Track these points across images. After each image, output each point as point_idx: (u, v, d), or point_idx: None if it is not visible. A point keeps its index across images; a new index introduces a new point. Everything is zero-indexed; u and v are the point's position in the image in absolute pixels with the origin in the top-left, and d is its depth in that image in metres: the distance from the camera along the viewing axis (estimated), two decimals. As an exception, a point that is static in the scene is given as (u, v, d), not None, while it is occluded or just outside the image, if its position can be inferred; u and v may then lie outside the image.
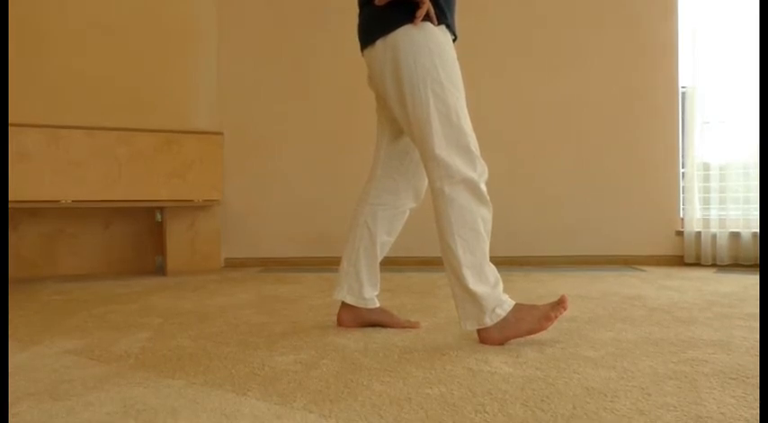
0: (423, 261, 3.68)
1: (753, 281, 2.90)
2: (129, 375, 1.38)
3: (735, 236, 3.60)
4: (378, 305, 1.87)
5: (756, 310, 2.10)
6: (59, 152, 3.44)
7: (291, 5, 3.99)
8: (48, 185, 3.39)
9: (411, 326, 1.86)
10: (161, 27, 3.80)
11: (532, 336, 1.63)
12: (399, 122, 1.74)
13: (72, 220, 3.63)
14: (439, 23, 1.66)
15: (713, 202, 3.69)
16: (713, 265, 3.59)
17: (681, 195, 3.78)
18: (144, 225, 3.78)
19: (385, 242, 1.87)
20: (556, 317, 1.61)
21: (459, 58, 1.71)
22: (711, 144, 3.69)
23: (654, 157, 3.78)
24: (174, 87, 3.83)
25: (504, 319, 1.59)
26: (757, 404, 1.12)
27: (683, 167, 3.76)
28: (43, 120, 3.43)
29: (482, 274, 1.61)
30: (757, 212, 3.48)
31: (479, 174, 1.63)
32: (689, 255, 3.68)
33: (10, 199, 3.15)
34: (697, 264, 3.64)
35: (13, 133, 3.31)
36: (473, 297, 1.60)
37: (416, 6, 1.61)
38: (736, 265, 3.58)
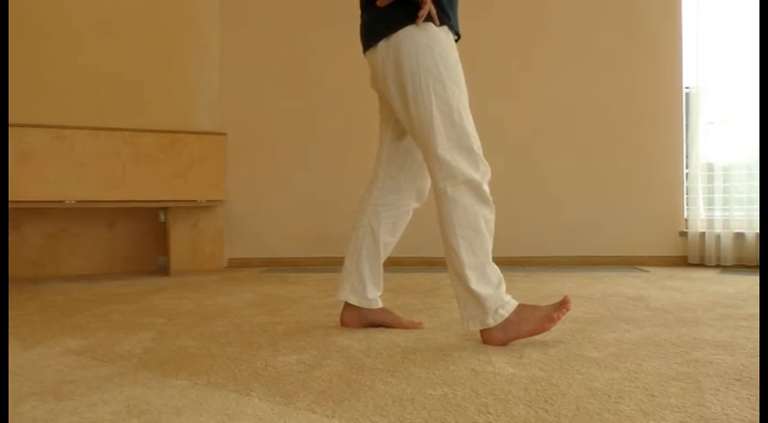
0: (425, 261, 3.67)
1: (757, 281, 2.89)
2: (133, 375, 1.38)
3: (739, 236, 3.59)
4: (381, 305, 1.87)
5: (760, 311, 2.09)
6: (63, 152, 3.45)
7: (294, 6, 3.99)
8: (52, 185, 3.40)
9: (414, 326, 1.86)
10: (164, 28, 3.81)
11: (536, 336, 1.63)
12: (402, 123, 1.74)
13: (76, 219, 3.64)
14: (441, 24, 1.66)
15: (717, 203, 3.69)
16: (717, 266, 3.57)
17: (684, 196, 3.77)
18: (147, 225, 3.78)
19: (388, 242, 1.87)
20: (559, 317, 1.61)
21: (461, 59, 1.71)
22: (715, 144, 3.68)
23: (657, 157, 3.78)
24: (177, 88, 3.83)
25: (507, 320, 1.59)
26: (761, 405, 1.12)
27: (686, 168, 3.75)
28: (47, 120, 3.44)
29: (485, 275, 1.61)
30: (761, 213, 3.48)
31: (482, 174, 1.62)
32: (693, 255, 3.67)
33: (14, 199, 3.16)
34: (701, 264, 3.63)
35: (17, 133, 3.32)
36: (476, 298, 1.60)
37: (418, 7, 1.61)
38: (740, 265, 3.57)
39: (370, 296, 1.84)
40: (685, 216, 3.76)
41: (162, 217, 3.68)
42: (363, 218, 1.84)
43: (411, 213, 1.89)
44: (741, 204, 3.62)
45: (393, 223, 1.85)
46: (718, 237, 3.61)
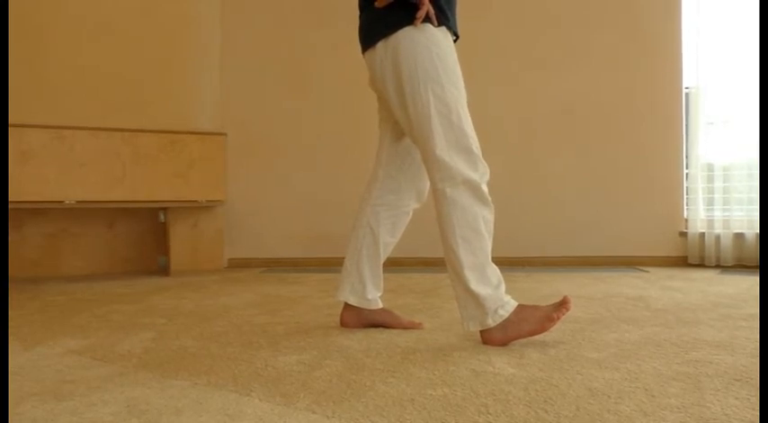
0: (425, 261, 3.67)
1: (757, 282, 2.89)
2: (133, 376, 1.38)
3: (739, 237, 3.59)
4: (381, 306, 1.87)
5: (760, 312, 2.09)
6: (64, 152, 3.45)
7: (294, 6, 3.99)
8: (52, 186, 3.40)
9: (414, 326, 1.86)
10: (164, 28, 3.81)
11: (535, 337, 1.63)
12: (400, 124, 1.74)
13: (76, 220, 3.64)
14: (439, 24, 1.66)
15: (717, 203, 3.68)
16: (717, 266, 3.57)
17: (684, 196, 3.77)
18: (147, 225, 3.79)
19: (388, 243, 1.87)
20: (558, 317, 1.61)
21: (461, 60, 1.71)
22: (715, 144, 3.68)
23: (657, 157, 3.78)
24: (177, 88, 3.83)
25: (507, 320, 1.59)
26: (761, 406, 1.12)
27: (686, 168, 3.75)
28: (48, 120, 3.45)
29: (484, 276, 1.61)
30: (762, 213, 3.47)
31: (481, 175, 1.63)
32: (692, 255, 3.67)
33: (14, 199, 3.16)
34: (701, 265, 3.63)
35: (17, 134, 3.32)
36: (475, 298, 1.60)
37: (416, 8, 1.61)
38: (740, 266, 3.57)
39: (369, 297, 1.84)
40: (685, 216, 3.76)
41: (162, 217, 3.68)
42: (363, 218, 1.85)
43: (411, 214, 1.89)
44: (741, 204, 3.62)
45: (393, 224, 1.85)
46: (717, 237, 3.61)
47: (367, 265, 1.84)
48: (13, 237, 3.46)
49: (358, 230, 1.85)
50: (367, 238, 1.83)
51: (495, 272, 1.63)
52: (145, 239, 3.79)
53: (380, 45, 1.68)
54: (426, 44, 1.63)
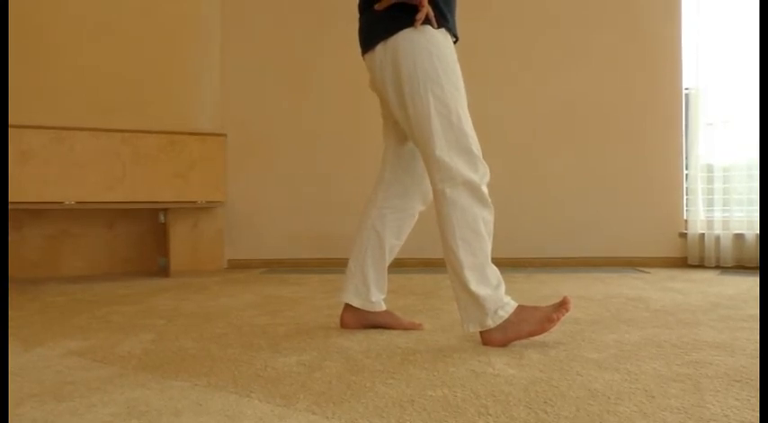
0: (426, 262, 3.67)
1: (756, 282, 2.89)
2: (133, 377, 1.38)
3: (738, 237, 3.59)
4: (384, 308, 1.87)
5: (760, 312, 2.09)
6: (63, 153, 3.45)
7: (294, 6, 3.99)
8: (52, 186, 3.40)
9: (414, 327, 1.86)
10: (164, 28, 3.81)
11: (535, 337, 1.63)
12: (401, 125, 1.74)
13: (76, 220, 3.64)
14: (439, 26, 1.66)
15: (717, 204, 3.69)
16: (717, 267, 3.57)
17: (684, 197, 3.77)
18: (147, 226, 3.79)
19: (394, 245, 1.86)
20: (558, 318, 1.61)
21: (461, 60, 1.71)
22: (715, 145, 3.68)
23: (657, 158, 3.78)
24: (177, 89, 3.83)
25: (507, 321, 1.59)
26: (761, 407, 1.12)
27: (686, 169, 3.76)
28: (48, 121, 3.44)
29: (484, 276, 1.61)
30: (761, 214, 3.47)
31: (481, 175, 1.63)
32: (692, 256, 3.67)
33: (14, 200, 3.16)
34: (701, 265, 3.63)
35: (17, 134, 3.32)
36: (475, 299, 1.60)
37: (416, 10, 1.61)
38: (739, 266, 3.57)
39: (373, 299, 1.84)
40: (685, 217, 3.76)
41: (162, 218, 3.68)
42: (368, 220, 1.84)
43: (417, 216, 1.89)
44: (741, 205, 3.62)
45: (399, 226, 1.85)
46: (717, 238, 3.61)
47: (372, 267, 1.84)
48: (13, 237, 3.46)
49: (363, 233, 1.84)
50: (372, 241, 1.83)
51: (494, 272, 1.63)
52: (145, 240, 3.79)
53: (380, 47, 1.68)
54: (426, 46, 1.63)
